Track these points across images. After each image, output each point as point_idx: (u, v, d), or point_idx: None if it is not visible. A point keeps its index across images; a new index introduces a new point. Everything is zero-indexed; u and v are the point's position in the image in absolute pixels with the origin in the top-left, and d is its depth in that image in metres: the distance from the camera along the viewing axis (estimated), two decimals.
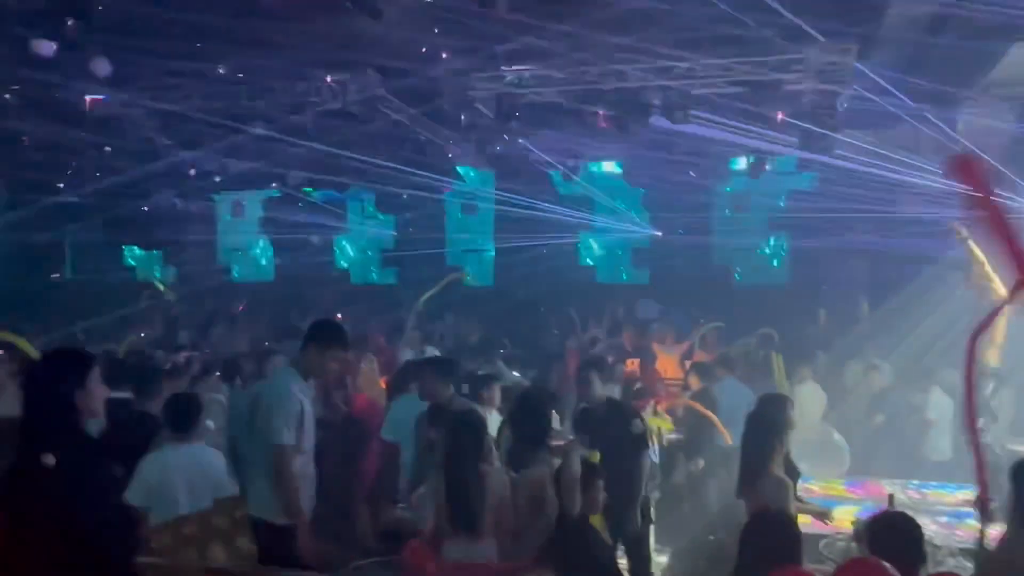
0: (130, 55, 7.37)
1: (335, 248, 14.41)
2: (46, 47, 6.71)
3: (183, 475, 4.53)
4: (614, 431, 5.26)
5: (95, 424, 3.41)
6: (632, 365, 8.78)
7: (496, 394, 6.08)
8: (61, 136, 9.76)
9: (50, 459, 2.87)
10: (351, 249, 14.49)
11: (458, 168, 11.62)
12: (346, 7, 6.21)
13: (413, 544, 4.32)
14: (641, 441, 5.43)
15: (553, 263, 12.84)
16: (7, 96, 8.58)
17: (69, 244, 14.32)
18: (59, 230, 13.60)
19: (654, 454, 5.96)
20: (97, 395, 3.10)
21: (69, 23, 6.08)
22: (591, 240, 13.46)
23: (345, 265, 14.53)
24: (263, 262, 14.56)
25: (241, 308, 12.87)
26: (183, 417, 4.72)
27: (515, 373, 8.14)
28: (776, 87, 7.70)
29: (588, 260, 13.57)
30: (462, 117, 8.71)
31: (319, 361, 4.45)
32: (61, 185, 11.76)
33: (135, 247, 14.30)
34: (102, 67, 7.45)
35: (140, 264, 14.72)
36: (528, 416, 4.78)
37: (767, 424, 4.67)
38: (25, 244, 13.39)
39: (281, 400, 4.29)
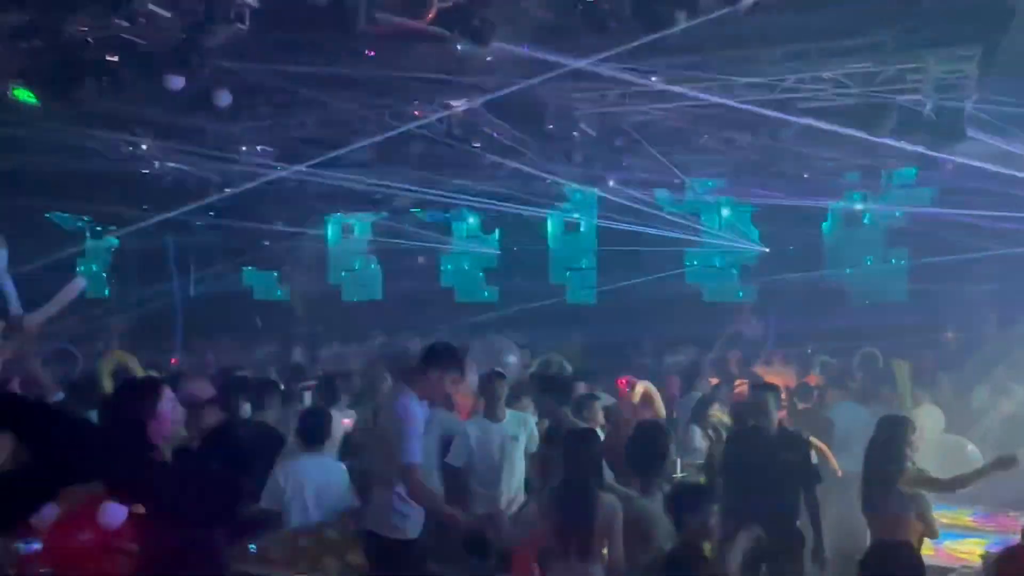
0: (245, 87, 7.76)
1: (440, 267, 14.69)
2: (176, 81, 7.16)
3: (313, 485, 4.78)
4: (787, 459, 5.09)
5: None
6: (742, 386, 8.57)
7: (599, 413, 6.04)
8: (183, 161, 10.39)
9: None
10: (456, 268, 14.73)
11: (562, 186, 11.66)
12: (450, 34, 6.35)
13: (518, 561, 4.35)
14: (810, 474, 5.25)
15: (657, 281, 12.67)
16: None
17: (192, 265, 15.10)
18: (183, 253, 14.43)
19: None
20: (166, 419, 3.32)
21: (193, 59, 6.45)
22: (697, 258, 13.23)
23: (449, 284, 14.78)
24: (372, 282, 14.97)
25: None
26: (315, 431, 4.99)
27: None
28: (892, 98, 7.40)
29: (694, 278, 13.34)
30: (566, 136, 8.76)
31: (439, 385, 4.56)
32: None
33: (252, 268, 14.97)
34: (223, 98, 7.87)
35: (257, 284, 15.40)
36: (644, 447, 4.71)
37: (888, 448, 4.48)
38: (149, 265, 14.29)
39: (407, 420, 4.40)
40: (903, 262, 12.08)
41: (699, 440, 6.83)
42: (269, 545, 4.34)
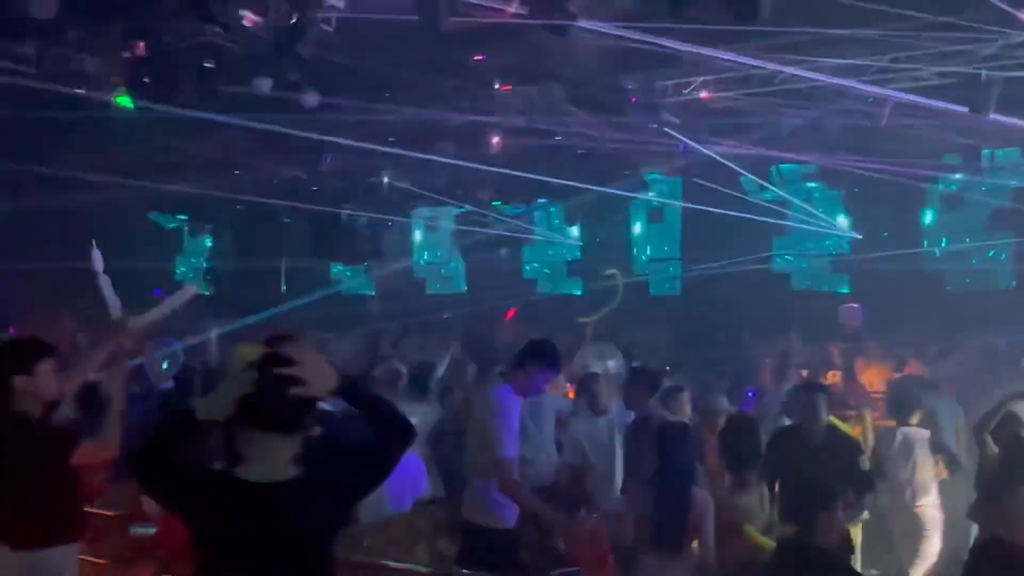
0: (331, 86, 7.94)
1: (523, 260, 14.73)
2: (264, 84, 7.39)
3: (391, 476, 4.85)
4: (831, 464, 4.95)
5: None
6: (834, 377, 8.31)
7: (686, 405, 5.97)
8: (275, 162, 10.71)
9: None
10: (538, 260, 14.75)
11: (645, 176, 11.53)
12: (530, 26, 6.36)
13: (603, 554, 4.34)
14: (857, 480, 5.09)
15: (745, 271, 12.39)
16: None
17: (283, 262, 15.56)
18: (276, 250, 14.90)
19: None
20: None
21: (283, 62, 6.64)
22: (786, 246, 12.89)
23: (532, 276, 14.81)
24: (455, 275, 15.13)
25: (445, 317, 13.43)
26: None
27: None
28: (995, 75, 7.04)
29: (782, 267, 13.00)
30: (649, 123, 8.65)
31: (534, 380, 4.60)
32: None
33: (340, 263, 15.33)
34: (311, 99, 8.08)
35: (345, 279, 15.77)
36: (737, 441, 4.64)
37: (1004, 446, 4.29)
38: (247, 265, 14.80)
39: (502, 414, 4.46)
40: (1008, 247, 11.48)
41: None
42: (362, 532, 4.44)
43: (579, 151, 9.67)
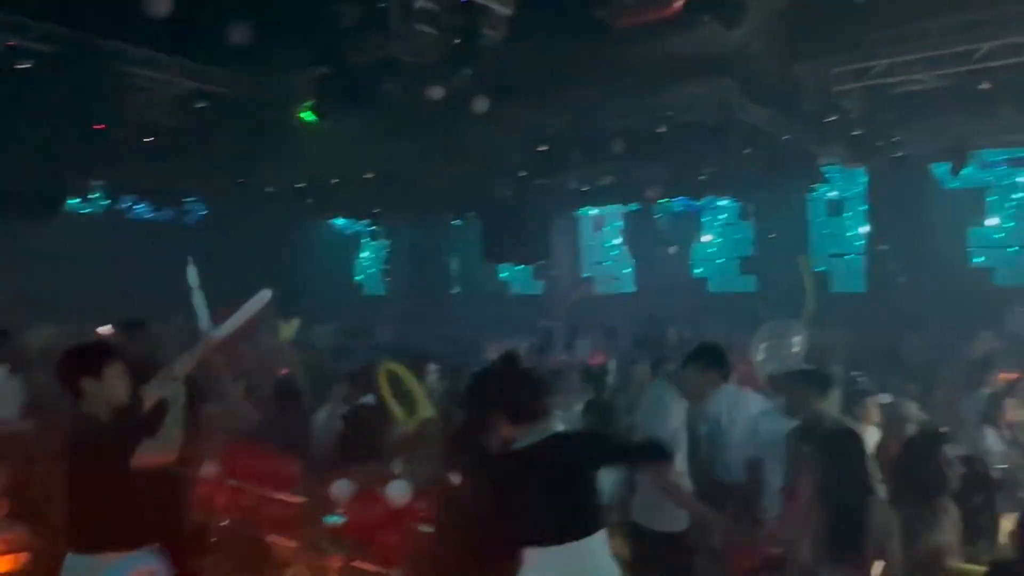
0: (501, 90, 8.11)
1: (692, 257, 14.43)
2: (436, 92, 7.68)
3: None
4: None
5: None
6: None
7: (873, 411, 5.61)
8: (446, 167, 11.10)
9: None
10: (709, 257, 14.40)
11: (823, 168, 10.97)
12: (699, 19, 6.22)
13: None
14: None
15: (937, 265, 11.50)
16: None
17: (457, 262, 16.09)
18: (450, 250, 15.45)
19: None
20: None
21: (455, 69, 6.88)
22: (983, 238, 11.86)
23: (703, 273, 14.47)
24: (623, 274, 15.05)
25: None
26: None
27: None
28: None
29: (980, 261, 11.96)
30: (826, 114, 8.24)
31: (699, 382, 4.53)
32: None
33: (510, 264, 15.64)
34: (481, 104, 8.30)
35: (514, 279, 16.09)
36: (917, 461, 4.24)
37: None
38: (418, 264, 15.45)
39: (662, 415, 4.43)
40: None
41: (993, 442, 6.12)
42: None
43: (752, 144, 9.32)
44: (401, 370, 5.83)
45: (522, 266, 15.47)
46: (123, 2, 6.29)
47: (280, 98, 8.53)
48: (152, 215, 13.61)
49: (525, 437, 3.30)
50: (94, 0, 6.03)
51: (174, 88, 8.56)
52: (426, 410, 5.58)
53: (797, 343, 7.77)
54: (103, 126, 9.03)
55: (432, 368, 7.67)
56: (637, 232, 14.41)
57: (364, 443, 5.77)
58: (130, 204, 12.99)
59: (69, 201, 11.39)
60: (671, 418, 4.43)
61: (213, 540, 4.90)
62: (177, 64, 8.36)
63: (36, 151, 9.20)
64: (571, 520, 3.25)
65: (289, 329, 7.40)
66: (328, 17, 6.46)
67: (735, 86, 7.95)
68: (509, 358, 5.00)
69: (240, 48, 6.92)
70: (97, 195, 12.21)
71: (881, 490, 4.26)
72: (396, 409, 5.62)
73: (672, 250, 14.05)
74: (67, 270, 11.75)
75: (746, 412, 5.51)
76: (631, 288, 14.84)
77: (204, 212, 14.18)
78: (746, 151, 9.34)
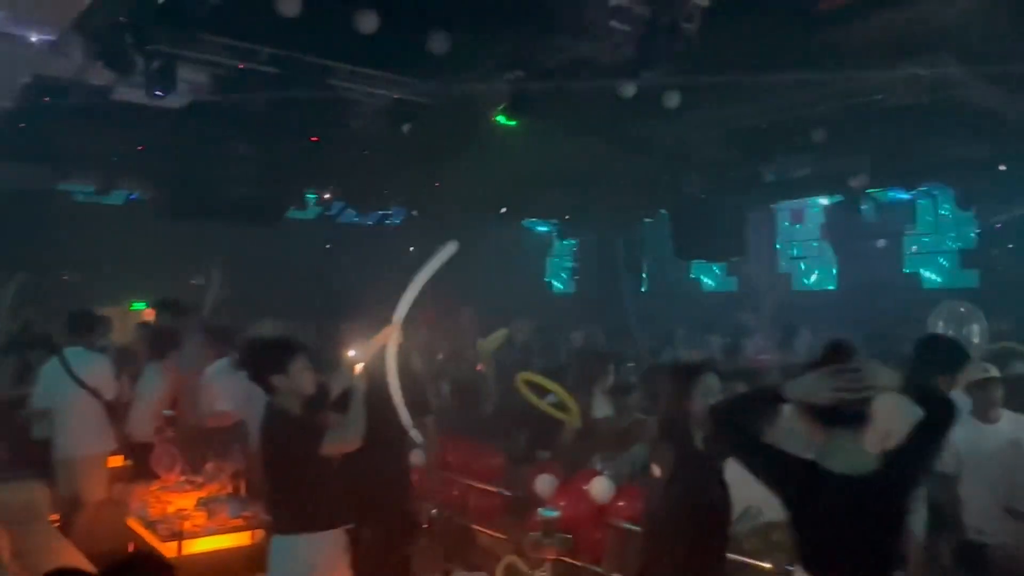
0: (693, 83, 7.91)
1: (904, 251, 13.39)
2: (629, 89, 7.63)
3: None
4: None
5: None
6: None
7: None
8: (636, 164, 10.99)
9: None
10: (922, 251, 13.31)
11: None
12: None
13: None
14: None
15: None
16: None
17: (648, 260, 15.91)
18: (641, 248, 15.32)
19: None
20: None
21: (649, 65, 6.78)
22: None
23: (917, 270, 13.40)
24: (824, 270, 14.26)
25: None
26: None
27: None
28: None
29: None
30: None
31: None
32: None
33: (701, 260, 15.25)
34: (672, 99, 8.14)
35: (705, 276, 15.68)
36: None
37: None
38: (606, 263, 15.41)
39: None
40: None
41: None
42: (744, 537, 4.37)
43: (975, 127, 8.50)
44: (538, 378, 5.98)
45: (716, 262, 15.07)
46: (333, 22, 6.73)
47: (476, 103, 8.78)
48: (358, 219, 14.48)
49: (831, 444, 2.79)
50: (308, 21, 6.46)
51: (378, 100, 9.04)
52: (575, 411, 5.74)
53: (977, 332, 7.07)
54: (316, 138, 9.75)
55: (626, 367, 7.63)
56: (840, 225, 13.58)
57: (550, 441, 5.91)
58: (340, 209, 13.88)
59: (291, 209, 12.39)
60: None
61: (424, 526, 5.14)
62: (380, 77, 8.81)
63: (260, 164, 10.07)
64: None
65: (493, 342, 7.37)
66: (522, 20, 6.58)
67: (955, 63, 7.28)
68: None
69: (437, 57, 7.19)
70: (312, 200, 13.14)
71: None
72: (573, 407, 5.73)
73: (880, 243, 13.11)
74: (285, 271, 12.77)
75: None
76: (831, 285, 14.04)
77: (405, 216, 14.91)
78: (968, 134, 8.53)
